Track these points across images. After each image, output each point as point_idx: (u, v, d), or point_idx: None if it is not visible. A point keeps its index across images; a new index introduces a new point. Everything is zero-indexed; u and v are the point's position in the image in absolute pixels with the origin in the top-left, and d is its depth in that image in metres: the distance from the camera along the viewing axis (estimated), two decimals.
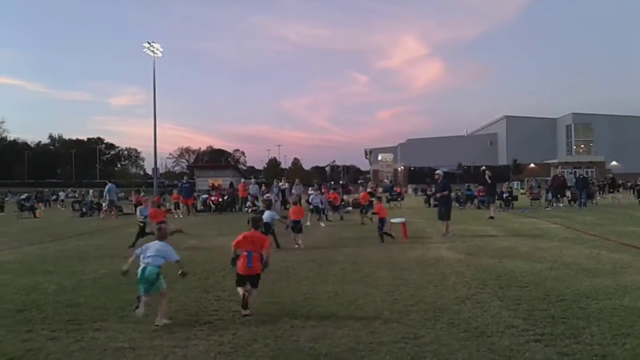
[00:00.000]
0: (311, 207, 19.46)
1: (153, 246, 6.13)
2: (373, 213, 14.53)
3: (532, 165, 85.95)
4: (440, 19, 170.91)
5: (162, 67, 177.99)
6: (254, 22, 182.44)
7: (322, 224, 18.50)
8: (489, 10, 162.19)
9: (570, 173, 56.11)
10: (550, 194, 26.39)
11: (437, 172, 16.37)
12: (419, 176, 79.28)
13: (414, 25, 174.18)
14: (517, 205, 26.10)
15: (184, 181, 27.49)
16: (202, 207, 27.38)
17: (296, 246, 12.24)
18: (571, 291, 7.05)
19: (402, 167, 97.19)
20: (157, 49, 64.81)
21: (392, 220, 14.43)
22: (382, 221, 13.37)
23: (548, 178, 44.32)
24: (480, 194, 25.67)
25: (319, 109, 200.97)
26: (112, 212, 24.86)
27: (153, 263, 5.91)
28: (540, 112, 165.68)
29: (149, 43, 63.79)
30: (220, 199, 26.62)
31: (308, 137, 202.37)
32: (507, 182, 29.77)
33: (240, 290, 6.27)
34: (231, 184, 30.51)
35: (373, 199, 18.74)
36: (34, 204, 28.16)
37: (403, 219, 14.52)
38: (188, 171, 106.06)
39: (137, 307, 5.88)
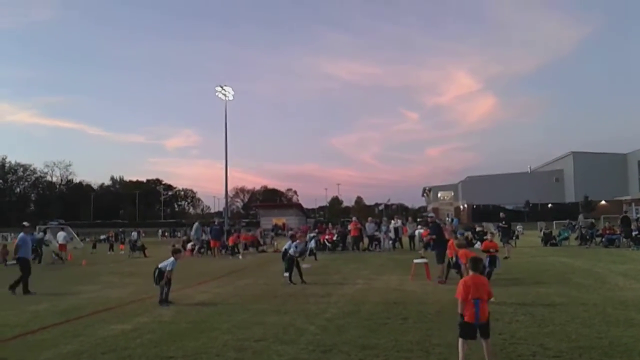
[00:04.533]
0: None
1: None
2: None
3: (602, 202, 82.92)
4: (493, 54, 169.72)
5: (212, 109, 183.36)
6: (304, 62, 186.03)
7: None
8: (546, 44, 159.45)
9: None
10: None
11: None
12: (484, 214, 77.41)
13: (467, 61, 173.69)
14: None
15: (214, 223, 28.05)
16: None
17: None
18: None
19: (464, 205, 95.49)
20: (229, 92, 66.90)
21: (416, 261, 14.35)
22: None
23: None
24: (607, 232, 24.56)
25: (368, 146, 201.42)
26: (197, 251, 26.06)
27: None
28: (606, 146, 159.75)
29: (221, 87, 65.91)
30: (334, 238, 26.62)
31: (356, 175, 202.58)
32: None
33: (462, 343, 5.66)
34: (342, 223, 30.50)
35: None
36: (143, 244, 28.75)
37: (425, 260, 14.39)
38: (254, 211, 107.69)
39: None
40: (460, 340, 5.67)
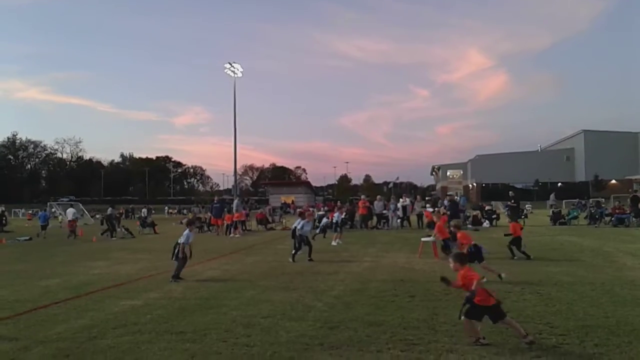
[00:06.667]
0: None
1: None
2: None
3: (613, 181, 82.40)
4: (506, 31, 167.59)
5: (222, 86, 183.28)
6: (314, 38, 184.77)
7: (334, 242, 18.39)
8: (560, 20, 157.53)
9: None
10: None
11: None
12: (493, 193, 77.19)
13: (479, 37, 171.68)
14: None
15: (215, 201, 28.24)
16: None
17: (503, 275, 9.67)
18: None
19: (473, 184, 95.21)
20: (238, 69, 66.43)
21: (423, 239, 14.39)
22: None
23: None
24: (617, 211, 24.43)
25: (377, 124, 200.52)
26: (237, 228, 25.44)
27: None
28: (618, 125, 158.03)
29: (229, 64, 65.41)
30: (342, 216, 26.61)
31: (365, 153, 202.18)
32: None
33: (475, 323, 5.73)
34: (351, 201, 30.59)
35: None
36: (153, 220, 28.97)
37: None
38: (263, 188, 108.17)
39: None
40: (466, 320, 5.73)
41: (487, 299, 5.59)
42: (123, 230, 24.99)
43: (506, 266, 11.46)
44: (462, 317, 5.72)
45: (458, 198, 34.47)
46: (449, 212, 19.61)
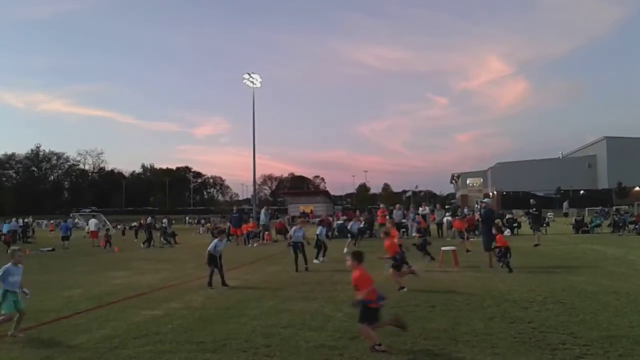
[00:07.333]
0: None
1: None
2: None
3: (636, 188, 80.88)
4: (526, 37, 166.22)
5: (241, 96, 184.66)
6: (332, 47, 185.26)
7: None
8: (580, 25, 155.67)
9: None
10: None
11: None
12: (513, 201, 76.21)
13: (498, 44, 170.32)
14: None
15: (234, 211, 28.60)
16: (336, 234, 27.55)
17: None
18: None
19: (494, 192, 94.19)
20: (257, 80, 66.66)
21: (443, 248, 13.96)
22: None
23: None
24: None
25: (397, 133, 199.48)
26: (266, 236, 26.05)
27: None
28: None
29: (248, 74, 65.62)
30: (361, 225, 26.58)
31: (383, 162, 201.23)
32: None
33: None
34: (370, 210, 30.58)
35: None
36: (174, 230, 29.29)
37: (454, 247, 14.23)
38: (282, 198, 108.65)
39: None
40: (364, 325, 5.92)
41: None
42: (162, 240, 25.55)
43: (529, 275, 11.35)
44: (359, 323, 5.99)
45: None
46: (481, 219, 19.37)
